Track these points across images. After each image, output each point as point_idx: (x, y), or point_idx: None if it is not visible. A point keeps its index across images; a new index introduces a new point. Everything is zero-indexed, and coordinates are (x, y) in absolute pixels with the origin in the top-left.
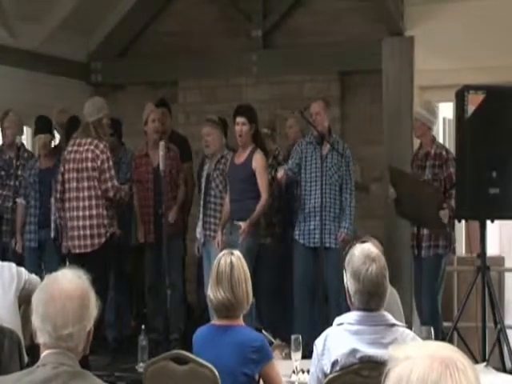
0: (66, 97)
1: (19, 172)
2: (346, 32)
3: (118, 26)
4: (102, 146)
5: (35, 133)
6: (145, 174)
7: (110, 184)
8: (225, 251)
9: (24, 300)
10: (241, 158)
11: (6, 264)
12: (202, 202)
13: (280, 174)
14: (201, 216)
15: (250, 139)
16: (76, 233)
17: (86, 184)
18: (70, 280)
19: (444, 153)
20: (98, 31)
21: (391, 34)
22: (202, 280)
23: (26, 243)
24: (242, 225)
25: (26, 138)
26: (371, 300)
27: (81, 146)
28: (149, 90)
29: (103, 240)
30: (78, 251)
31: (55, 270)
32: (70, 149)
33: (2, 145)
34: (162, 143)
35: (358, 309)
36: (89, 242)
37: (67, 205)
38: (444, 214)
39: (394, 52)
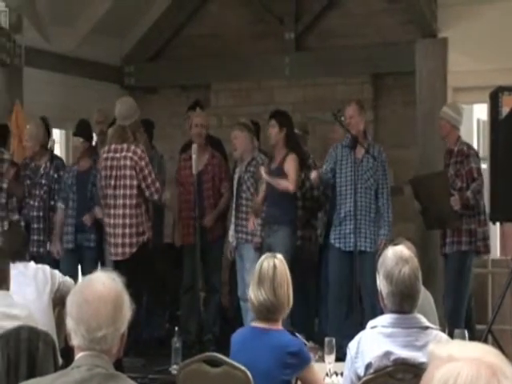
0: (100, 100)
1: (43, 181)
2: (378, 34)
3: (151, 29)
4: (139, 151)
5: (73, 135)
6: (188, 178)
7: (153, 189)
8: (268, 254)
9: (58, 302)
10: (275, 163)
11: (40, 266)
12: (234, 205)
13: (314, 175)
14: (233, 219)
15: (281, 143)
16: (112, 240)
17: (121, 192)
18: (103, 282)
19: (465, 148)
20: (131, 35)
21: (424, 35)
22: (234, 283)
23: (64, 245)
24: (263, 170)
25: (60, 141)
26: (404, 302)
27: (117, 152)
28: (181, 93)
29: (134, 250)
30: (113, 258)
31: (92, 273)
32: (105, 156)
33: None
34: (194, 146)
35: (392, 311)
36: (120, 250)
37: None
38: (454, 200)
39: (427, 53)
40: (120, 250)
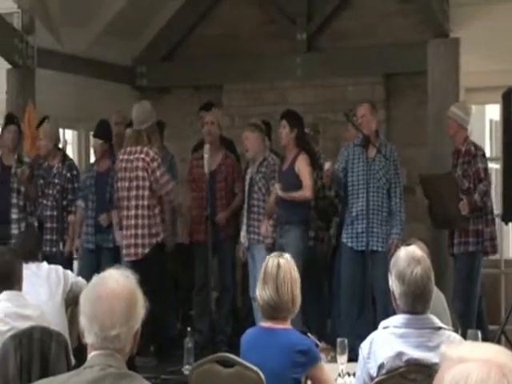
0: (112, 101)
1: (56, 180)
2: (390, 34)
3: (163, 29)
4: (152, 153)
5: (93, 136)
6: (200, 176)
7: (168, 188)
8: (275, 253)
9: (71, 302)
10: (286, 164)
11: (53, 267)
12: (245, 206)
13: (327, 165)
14: (245, 220)
15: (292, 143)
16: (125, 241)
17: (134, 193)
18: (117, 280)
19: (472, 148)
20: (143, 35)
21: (436, 35)
22: (247, 283)
23: (84, 245)
24: (278, 187)
25: (72, 142)
26: (416, 302)
27: (131, 154)
28: (194, 93)
29: (146, 250)
30: (126, 259)
31: None
32: (121, 157)
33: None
34: (206, 146)
35: (404, 312)
36: (132, 251)
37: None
38: (463, 205)
39: (439, 54)
40: (132, 250)
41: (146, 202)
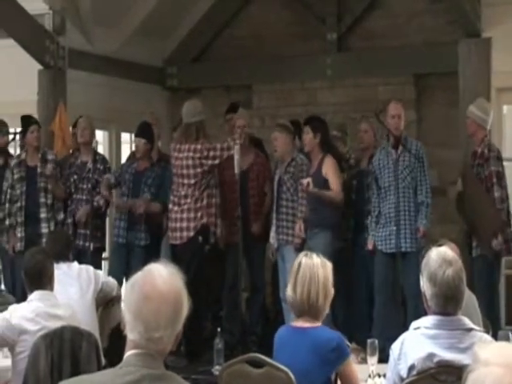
0: (143, 101)
1: (90, 175)
2: (421, 34)
3: (193, 30)
4: (199, 147)
5: (135, 136)
6: (231, 177)
7: (212, 153)
8: (305, 252)
9: (101, 302)
10: (313, 168)
11: (83, 266)
12: (274, 207)
13: (306, 181)
14: (274, 221)
15: (317, 148)
16: (173, 224)
17: (182, 190)
18: (164, 280)
19: (486, 151)
20: (174, 36)
21: (468, 35)
22: (277, 284)
23: (114, 239)
24: (309, 181)
25: (103, 142)
26: (448, 304)
27: (180, 152)
28: (224, 94)
29: (192, 234)
30: (171, 242)
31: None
32: (173, 154)
33: (77, 150)
34: (236, 147)
35: (435, 313)
36: (178, 234)
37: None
38: (496, 244)
39: (470, 54)
40: (178, 234)
41: (196, 193)
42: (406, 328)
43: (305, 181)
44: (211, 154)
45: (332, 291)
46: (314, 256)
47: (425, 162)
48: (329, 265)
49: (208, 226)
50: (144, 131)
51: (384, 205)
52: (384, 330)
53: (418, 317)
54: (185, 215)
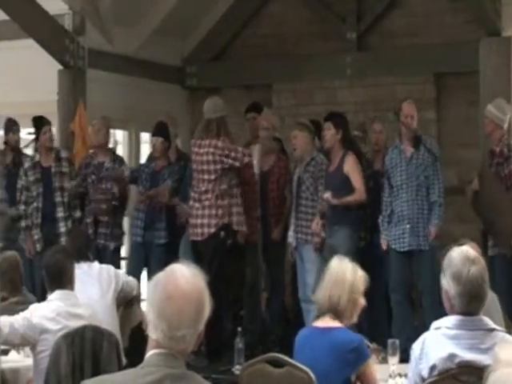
0: (162, 101)
1: (109, 173)
2: (441, 33)
3: (213, 29)
4: (220, 144)
5: (152, 136)
6: (252, 177)
7: (233, 155)
8: (337, 256)
9: (122, 302)
10: (333, 166)
11: (104, 266)
12: (293, 206)
13: (327, 194)
14: (293, 220)
15: (338, 145)
16: (194, 221)
17: (202, 186)
18: (187, 280)
19: (505, 150)
20: (193, 35)
21: (488, 34)
22: (296, 284)
23: (133, 238)
24: (329, 196)
25: (123, 142)
26: (472, 302)
27: (201, 147)
28: (243, 93)
29: (212, 230)
30: (192, 238)
31: (158, 272)
32: (194, 150)
33: (93, 152)
34: (256, 147)
35: (458, 312)
36: (199, 230)
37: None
38: None
39: (491, 52)
40: (199, 230)
41: (216, 188)
42: (425, 327)
43: (325, 195)
44: (232, 154)
45: (359, 298)
46: (346, 260)
47: (438, 160)
48: (360, 273)
49: (229, 224)
50: (161, 130)
51: (396, 203)
52: (402, 329)
53: (434, 316)
54: (206, 211)
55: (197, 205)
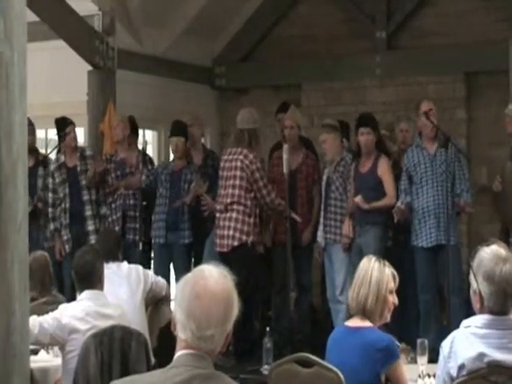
0: (191, 101)
1: (134, 170)
2: (471, 32)
3: (242, 30)
4: (251, 156)
5: (170, 136)
6: (281, 176)
7: (264, 191)
8: (369, 256)
9: (150, 302)
10: (365, 167)
11: (133, 266)
12: (322, 206)
13: (357, 198)
14: (322, 220)
15: (373, 147)
16: (221, 232)
17: (230, 191)
18: (216, 280)
19: None
20: (222, 36)
21: None
22: (325, 284)
23: (155, 240)
24: (360, 199)
25: (152, 142)
26: (508, 300)
27: (231, 154)
28: (272, 93)
29: (236, 243)
30: (217, 249)
31: (184, 272)
32: (224, 157)
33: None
34: (285, 146)
35: (491, 312)
36: (225, 242)
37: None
38: None
39: None
40: (225, 241)
41: (242, 201)
42: (452, 326)
43: (356, 199)
44: (260, 173)
45: (389, 296)
46: (374, 259)
47: (462, 158)
48: (388, 271)
49: (254, 243)
50: (182, 130)
51: (419, 200)
52: (430, 328)
53: (462, 314)
54: (232, 224)
55: (223, 215)
